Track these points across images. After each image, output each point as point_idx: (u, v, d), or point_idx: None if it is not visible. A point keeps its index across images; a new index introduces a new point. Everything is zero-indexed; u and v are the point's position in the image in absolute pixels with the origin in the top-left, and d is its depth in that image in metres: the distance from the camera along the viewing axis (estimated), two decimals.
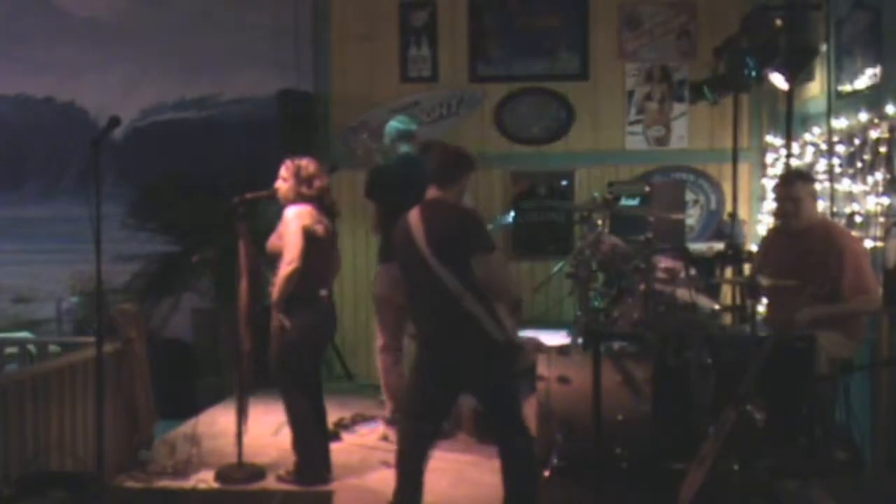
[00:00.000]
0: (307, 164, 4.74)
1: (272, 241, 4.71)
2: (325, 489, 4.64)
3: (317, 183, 4.70)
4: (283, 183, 4.71)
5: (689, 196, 6.97)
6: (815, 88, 5.64)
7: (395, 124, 5.69)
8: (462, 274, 3.81)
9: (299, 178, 4.67)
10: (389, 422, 5.47)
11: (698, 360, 4.34)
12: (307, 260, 4.57)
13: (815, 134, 5.66)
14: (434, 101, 7.21)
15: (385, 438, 5.46)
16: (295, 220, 4.58)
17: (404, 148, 5.60)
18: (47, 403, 4.38)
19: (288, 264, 4.53)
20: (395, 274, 5.24)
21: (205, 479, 4.71)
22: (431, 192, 4.00)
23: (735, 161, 6.09)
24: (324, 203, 4.73)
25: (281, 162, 4.80)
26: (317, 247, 4.63)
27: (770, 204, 6.09)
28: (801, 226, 4.63)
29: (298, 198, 4.67)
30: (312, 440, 4.74)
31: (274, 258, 4.73)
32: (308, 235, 4.57)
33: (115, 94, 7.93)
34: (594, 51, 7.15)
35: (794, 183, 4.67)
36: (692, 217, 7.01)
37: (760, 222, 6.79)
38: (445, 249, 3.83)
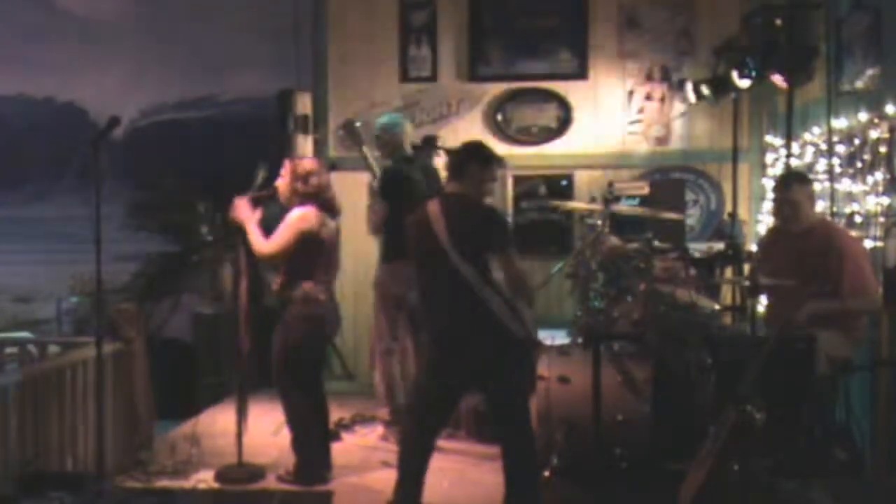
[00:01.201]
0: (305, 162, 4.75)
1: None
2: (325, 489, 4.64)
3: (313, 180, 4.67)
4: (282, 181, 4.72)
5: (689, 196, 6.97)
6: (815, 88, 5.63)
7: (403, 122, 5.64)
8: (482, 269, 3.81)
9: (295, 174, 4.67)
10: (388, 424, 5.46)
11: (698, 360, 4.34)
12: (310, 261, 4.57)
13: (815, 134, 5.66)
14: (434, 100, 7.21)
15: (385, 439, 5.45)
16: (297, 221, 4.57)
17: (408, 148, 5.59)
18: (47, 403, 4.38)
19: (266, 248, 4.54)
20: (401, 273, 5.24)
21: (205, 479, 4.71)
22: (449, 187, 4.01)
23: (735, 161, 6.09)
24: (320, 201, 4.69)
25: (281, 162, 4.81)
26: (319, 248, 4.62)
27: (770, 204, 6.09)
28: (800, 227, 4.62)
29: (294, 195, 4.67)
30: (311, 440, 4.74)
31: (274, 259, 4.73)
32: (308, 238, 4.57)
33: (115, 94, 7.94)
34: (594, 51, 7.14)
35: (791, 186, 4.67)
36: (692, 217, 7.00)
37: (760, 222, 6.79)
38: (467, 244, 3.82)
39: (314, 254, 4.61)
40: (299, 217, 4.60)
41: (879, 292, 4.49)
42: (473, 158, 4.00)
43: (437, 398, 3.99)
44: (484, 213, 3.99)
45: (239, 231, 4.71)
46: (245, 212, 4.65)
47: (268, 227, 4.92)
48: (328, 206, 4.73)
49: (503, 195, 7.13)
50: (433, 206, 3.94)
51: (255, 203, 4.75)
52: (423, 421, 4.00)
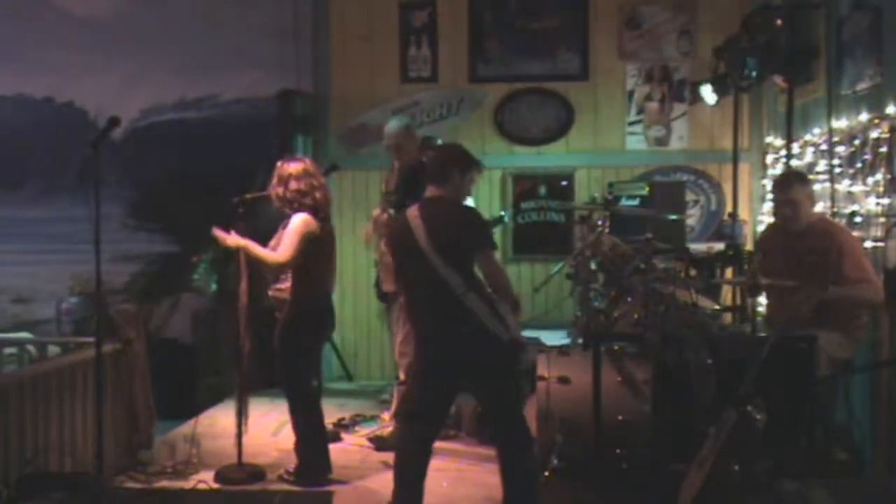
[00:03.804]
0: (288, 166, 4.69)
1: (272, 246, 4.71)
2: (325, 489, 4.64)
3: (292, 184, 4.62)
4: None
5: (690, 196, 6.97)
6: (816, 89, 5.63)
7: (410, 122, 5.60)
8: (464, 271, 3.81)
9: (279, 178, 4.66)
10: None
11: (698, 360, 4.34)
12: (318, 262, 4.58)
13: (815, 134, 5.65)
14: (434, 101, 7.21)
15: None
16: (301, 225, 4.56)
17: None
18: (47, 403, 4.38)
19: (280, 257, 4.53)
20: None
21: (205, 479, 4.71)
22: (429, 191, 4.01)
23: (735, 161, 6.10)
24: (297, 205, 4.61)
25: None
26: (324, 249, 4.64)
27: (770, 204, 6.09)
28: (800, 227, 4.63)
29: (276, 199, 4.65)
30: (315, 442, 4.74)
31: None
32: (314, 240, 4.58)
33: (114, 95, 7.93)
34: (594, 51, 7.14)
35: (792, 186, 4.67)
36: (692, 217, 7.00)
37: (760, 222, 6.79)
38: (447, 247, 3.82)
39: (320, 254, 4.63)
40: (303, 221, 4.58)
41: (880, 281, 4.48)
42: (455, 164, 4.01)
43: (428, 402, 3.99)
44: (462, 214, 4.00)
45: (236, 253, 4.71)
46: (233, 238, 4.61)
47: (263, 229, 4.91)
48: (309, 210, 4.64)
49: (503, 195, 7.14)
50: (412, 212, 3.94)
51: (247, 206, 4.74)
52: (416, 426, 3.99)
